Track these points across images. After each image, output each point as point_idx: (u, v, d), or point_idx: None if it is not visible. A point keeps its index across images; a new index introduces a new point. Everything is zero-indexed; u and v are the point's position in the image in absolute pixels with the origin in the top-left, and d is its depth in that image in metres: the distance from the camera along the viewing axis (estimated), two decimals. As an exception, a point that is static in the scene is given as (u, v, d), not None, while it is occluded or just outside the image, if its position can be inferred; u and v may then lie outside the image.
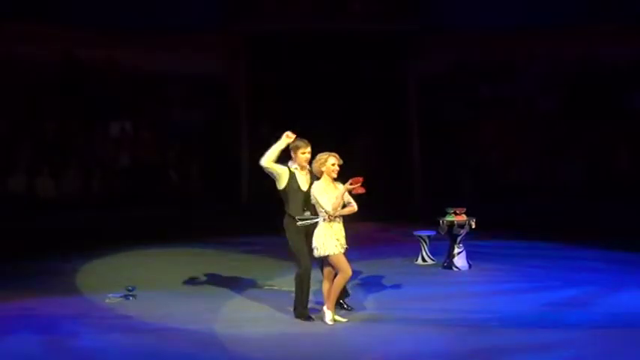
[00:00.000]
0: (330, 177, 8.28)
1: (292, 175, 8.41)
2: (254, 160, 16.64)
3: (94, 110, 16.31)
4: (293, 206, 8.36)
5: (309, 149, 8.43)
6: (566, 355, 7.18)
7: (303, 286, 8.37)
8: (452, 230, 11.23)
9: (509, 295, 9.50)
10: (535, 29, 16.81)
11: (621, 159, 15.12)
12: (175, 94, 17.32)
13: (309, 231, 8.34)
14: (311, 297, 8.55)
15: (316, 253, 8.20)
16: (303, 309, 8.41)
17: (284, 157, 8.57)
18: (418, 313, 8.73)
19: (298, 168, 8.46)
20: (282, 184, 8.41)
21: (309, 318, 8.36)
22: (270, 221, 14.22)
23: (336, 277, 8.24)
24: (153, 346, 7.69)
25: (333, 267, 8.24)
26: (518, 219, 14.58)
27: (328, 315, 8.22)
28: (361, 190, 8.19)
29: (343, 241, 8.24)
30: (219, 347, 7.65)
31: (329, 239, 8.13)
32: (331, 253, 8.14)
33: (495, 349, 7.34)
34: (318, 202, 8.16)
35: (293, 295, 8.53)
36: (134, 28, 16.48)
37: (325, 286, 8.32)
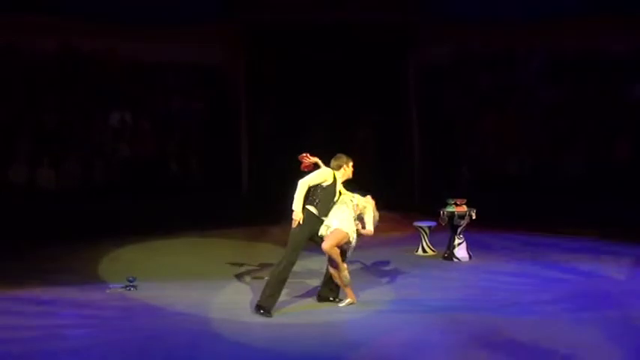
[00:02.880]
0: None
1: (335, 180, 8.57)
2: (254, 151, 16.94)
3: (94, 101, 16.28)
4: (321, 207, 8.47)
5: (351, 163, 8.76)
6: (563, 345, 7.18)
7: (280, 281, 8.32)
8: (452, 221, 11.24)
9: (510, 286, 9.52)
10: (536, 20, 16.75)
11: (622, 150, 15.08)
12: (175, 85, 17.28)
13: (314, 231, 8.43)
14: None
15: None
16: (270, 305, 8.27)
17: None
18: (418, 303, 8.76)
19: (341, 177, 8.66)
20: (327, 181, 8.52)
21: (269, 314, 8.21)
22: (270, 211, 14.37)
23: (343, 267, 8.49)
24: (153, 336, 7.70)
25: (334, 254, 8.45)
26: (519, 210, 14.58)
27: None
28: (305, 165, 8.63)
29: None
30: (219, 336, 7.68)
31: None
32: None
33: (495, 339, 7.35)
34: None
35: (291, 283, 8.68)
36: (133, 19, 16.42)
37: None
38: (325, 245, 8.35)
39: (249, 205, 16.04)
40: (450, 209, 11.26)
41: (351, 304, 8.55)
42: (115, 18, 16.29)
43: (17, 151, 14.99)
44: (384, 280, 9.94)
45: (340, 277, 8.48)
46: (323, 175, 8.51)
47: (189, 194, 15.56)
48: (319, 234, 8.48)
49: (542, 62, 17.15)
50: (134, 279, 9.65)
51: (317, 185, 8.46)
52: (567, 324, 7.79)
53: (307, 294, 9.10)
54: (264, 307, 8.24)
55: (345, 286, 8.53)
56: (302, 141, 14.63)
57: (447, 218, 11.27)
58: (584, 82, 16.29)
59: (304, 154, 8.69)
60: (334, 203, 8.53)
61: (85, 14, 16.13)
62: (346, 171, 8.68)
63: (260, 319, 8.18)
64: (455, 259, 11.15)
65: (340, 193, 8.60)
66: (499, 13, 16.79)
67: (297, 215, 8.28)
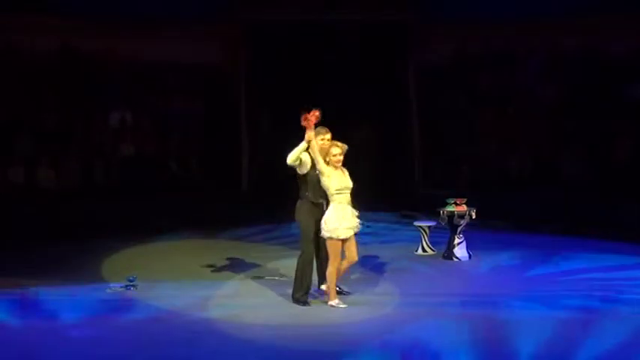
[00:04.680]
0: (334, 166, 8.43)
1: (312, 161, 8.54)
2: (254, 151, 16.95)
3: (94, 101, 16.28)
4: (312, 192, 8.50)
5: (328, 136, 8.61)
6: (565, 343, 7.18)
7: (304, 271, 8.55)
8: (452, 220, 11.23)
9: (510, 286, 9.52)
10: (535, 19, 16.75)
11: (622, 150, 15.07)
12: (175, 85, 17.27)
13: (319, 217, 8.45)
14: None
15: (322, 234, 8.39)
16: (302, 295, 8.56)
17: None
18: (418, 303, 8.75)
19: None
20: (305, 169, 8.56)
21: (305, 303, 8.53)
22: (270, 210, 14.37)
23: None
24: (153, 335, 7.71)
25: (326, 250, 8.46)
26: (518, 209, 14.58)
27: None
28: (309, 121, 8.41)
29: (350, 224, 8.38)
30: (220, 336, 7.68)
31: (333, 222, 8.29)
32: (329, 237, 8.32)
33: (495, 339, 7.35)
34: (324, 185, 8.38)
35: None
36: (133, 18, 16.41)
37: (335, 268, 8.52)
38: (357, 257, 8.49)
39: (249, 204, 16.04)
40: (449, 209, 11.25)
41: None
42: (114, 18, 16.28)
43: (17, 151, 14.98)
44: (384, 279, 9.94)
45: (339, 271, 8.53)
46: (305, 157, 8.53)
47: (189, 194, 15.56)
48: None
49: (542, 62, 17.14)
50: (134, 278, 9.65)
51: (302, 175, 8.54)
52: (567, 323, 7.80)
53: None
54: (297, 298, 8.55)
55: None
56: (302, 140, 14.64)
57: (446, 218, 11.26)
58: (584, 81, 16.27)
59: (311, 115, 8.47)
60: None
61: (84, 14, 16.12)
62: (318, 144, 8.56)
63: (260, 319, 8.20)
64: (455, 259, 11.15)
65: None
66: (499, 12, 16.78)
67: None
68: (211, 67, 17.35)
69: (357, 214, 8.45)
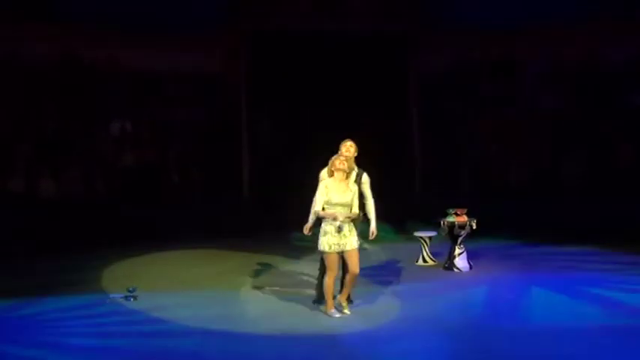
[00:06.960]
0: (341, 172, 8.60)
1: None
2: (255, 159, 16.95)
3: (95, 110, 16.31)
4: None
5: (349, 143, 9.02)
6: (565, 355, 7.18)
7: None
8: (453, 231, 11.22)
9: (510, 296, 9.51)
10: (536, 27, 16.78)
11: (623, 157, 15.08)
12: (176, 93, 17.31)
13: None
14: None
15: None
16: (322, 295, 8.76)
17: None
18: (419, 314, 8.76)
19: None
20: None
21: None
22: (271, 218, 14.36)
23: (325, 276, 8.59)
24: (153, 346, 7.71)
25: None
26: (519, 219, 14.57)
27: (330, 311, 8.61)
28: None
29: (344, 241, 8.42)
30: (221, 347, 7.68)
31: (324, 238, 8.40)
32: (322, 250, 8.45)
33: (496, 350, 7.34)
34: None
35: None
36: (135, 27, 16.46)
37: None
38: (358, 269, 8.54)
39: (250, 213, 16.05)
40: (450, 219, 11.24)
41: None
42: (116, 26, 16.32)
43: (18, 160, 15.00)
44: (385, 290, 9.93)
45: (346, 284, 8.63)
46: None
47: (189, 203, 15.57)
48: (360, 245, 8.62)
49: (543, 69, 17.17)
50: (134, 289, 9.65)
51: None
52: (569, 333, 7.79)
53: (307, 303, 9.08)
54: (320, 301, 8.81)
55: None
56: (303, 149, 14.67)
57: (447, 228, 11.24)
58: (584, 89, 16.30)
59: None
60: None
61: (86, 23, 16.16)
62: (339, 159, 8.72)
63: (262, 329, 8.19)
64: (455, 270, 11.13)
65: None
66: (499, 21, 16.82)
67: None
68: (212, 76, 17.38)
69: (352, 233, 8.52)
